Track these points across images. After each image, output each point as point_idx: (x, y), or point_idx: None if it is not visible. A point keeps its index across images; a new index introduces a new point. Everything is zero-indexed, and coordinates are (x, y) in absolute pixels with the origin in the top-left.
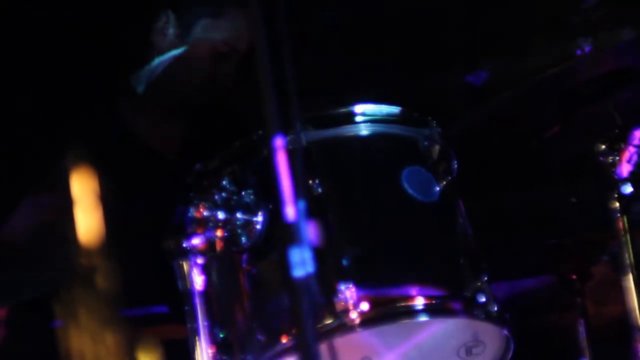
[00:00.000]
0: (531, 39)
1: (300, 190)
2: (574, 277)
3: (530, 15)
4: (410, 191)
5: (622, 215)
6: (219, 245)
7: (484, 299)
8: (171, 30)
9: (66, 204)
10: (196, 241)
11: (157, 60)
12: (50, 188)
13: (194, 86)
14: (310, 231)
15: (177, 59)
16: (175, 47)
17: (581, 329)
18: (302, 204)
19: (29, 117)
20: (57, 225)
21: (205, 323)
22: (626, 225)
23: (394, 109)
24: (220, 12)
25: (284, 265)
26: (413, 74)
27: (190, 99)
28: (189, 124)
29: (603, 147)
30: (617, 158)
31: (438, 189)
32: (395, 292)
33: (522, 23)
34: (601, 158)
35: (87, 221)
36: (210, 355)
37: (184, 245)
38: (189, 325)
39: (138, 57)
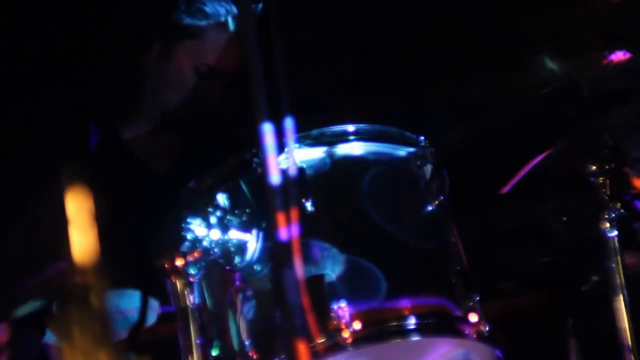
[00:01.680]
0: (524, 54)
1: (293, 209)
2: (565, 296)
3: (523, 31)
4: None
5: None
6: (212, 264)
7: (475, 319)
8: (155, 49)
9: (61, 222)
10: (189, 259)
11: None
12: (44, 205)
13: (178, 104)
14: (303, 250)
15: (162, 77)
16: (159, 65)
17: (572, 348)
18: (295, 223)
19: (23, 135)
20: (51, 243)
21: (198, 341)
22: (617, 245)
23: (387, 128)
24: (203, 34)
25: (277, 284)
26: (404, 91)
27: (175, 116)
28: (177, 139)
29: (594, 167)
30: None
31: (430, 206)
32: (387, 311)
33: (515, 38)
34: (592, 179)
35: (82, 239)
36: None
37: (177, 263)
38: (181, 343)
39: (127, 74)
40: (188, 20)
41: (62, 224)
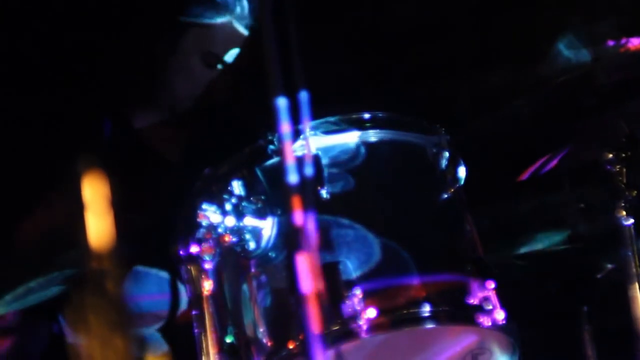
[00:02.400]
0: (540, 44)
1: (309, 196)
2: (580, 284)
3: (539, 21)
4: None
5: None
6: (227, 251)
7: (490, 307)
8: (165, 39)
9: (77, 208)
10: (204, 246)
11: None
12: (62, 192)
13: (188, 95)
14: (319, 237)
15: (170, 67)
16: (168, 54)
17: (587, 335)
18: (310, 210)
19: (41, 123)
20: (68, 229)
21: (213, 328)
22: (632, 233)
23: (403, 116)
24: (211, 23)
25: (292, 271)
26: (422, 80)
27: (186, 107)
28: (189, 129)
29: (610, 155)
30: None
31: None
32: (402, 299)
33: (531, 28)
34: (608, 167)
35: (98, 225)
36: (218, 359)
37: (192, 250)
38: (196, 330)
39: (142, 64)
40: (197, 10)
41: (78, 211)
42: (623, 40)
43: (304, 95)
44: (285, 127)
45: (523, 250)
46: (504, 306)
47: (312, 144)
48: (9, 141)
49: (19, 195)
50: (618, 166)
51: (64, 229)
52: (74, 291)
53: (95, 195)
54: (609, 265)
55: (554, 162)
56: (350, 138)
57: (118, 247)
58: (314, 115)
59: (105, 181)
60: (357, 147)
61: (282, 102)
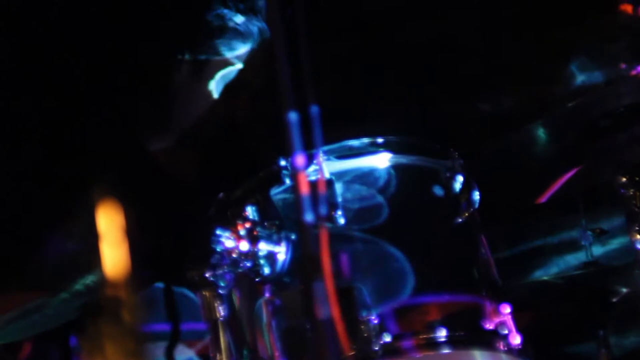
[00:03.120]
0: (553, 67)
1: (323, 221)
2: (596, 307)
3: (552, 44)
4: None
5: None
6: (241, 276)
7: (506, 331)
8: (186, 66)
9: (92, 236)
10: (219, 271)
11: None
12: (76, 221)
13: (206, 119)
14: (333, 262)
15: (192, 94)
16: (190, 82)
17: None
18: (325, 235)
19: (54, 150)
20: (83, 257)
21: (228, 352)
22: None
23: (416, 140)
24: (235, 53)
25: (308, 297)
26: (435, 103)
27: (203, 130)
28: (205, 152)
29: (624, 179)
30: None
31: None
32: (418, 323)
33: (544, 51)
34: (622, 190)
35: (113, 253)
36: None
37: (207, 275)
38: (211, 355)
39: (157, 91)
40: (221, 39)
41: (93, 237)
42: (636, 63)
43: (314, 111)
44: (299, 154)
45: (538, 274)
46: (519, 330)
47: (326, 168)
48: (22, 167)
49: (34, 221)
50: (632, 190)
51: (78, 255)
52: (89, 319)
53: (110, 221)
54: (625, 289)
55: (568, 185)
56: (364, 162)
57: (133, 274)
58: (327, 137)
59: (120, 206)
60: (371, 171)
61: (293, 118)
